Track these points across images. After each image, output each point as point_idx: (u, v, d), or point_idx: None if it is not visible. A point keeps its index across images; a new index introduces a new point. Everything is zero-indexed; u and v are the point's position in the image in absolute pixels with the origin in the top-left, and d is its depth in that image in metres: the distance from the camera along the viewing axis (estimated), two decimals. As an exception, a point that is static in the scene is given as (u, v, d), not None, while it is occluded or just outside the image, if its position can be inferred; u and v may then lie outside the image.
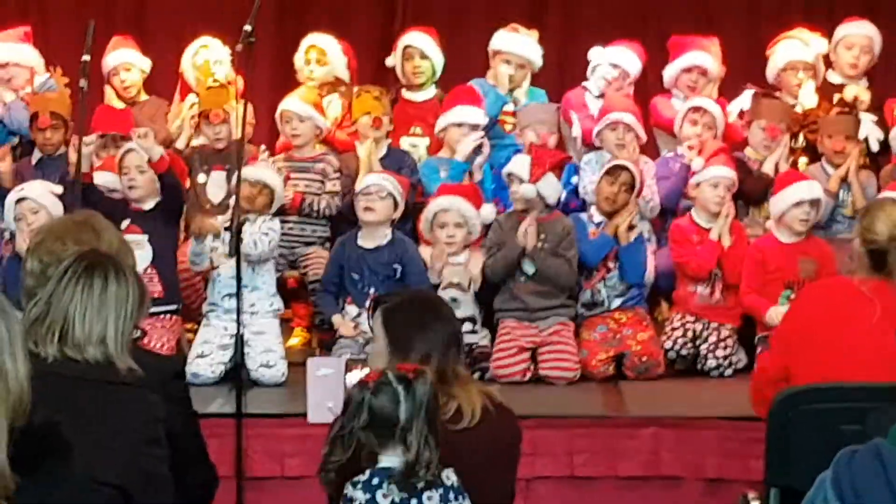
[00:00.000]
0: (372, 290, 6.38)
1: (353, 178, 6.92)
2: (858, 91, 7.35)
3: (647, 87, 7.60)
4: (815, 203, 6.54)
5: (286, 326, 6.73)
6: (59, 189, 6.48)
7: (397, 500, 3.26)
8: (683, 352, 6.59)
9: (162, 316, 6.38)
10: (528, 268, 6.48)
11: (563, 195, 6.77)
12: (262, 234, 6.31)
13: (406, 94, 7.51)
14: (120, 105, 7.56)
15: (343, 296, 6.58)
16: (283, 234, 6.61)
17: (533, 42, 7.46)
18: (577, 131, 7.32)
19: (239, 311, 5.54)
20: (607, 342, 6.56)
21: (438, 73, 7.49)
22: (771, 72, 7.59)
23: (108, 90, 7.69)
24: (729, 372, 6.57)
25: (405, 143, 7.33)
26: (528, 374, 6.42)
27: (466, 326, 6.19)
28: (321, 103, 7.27)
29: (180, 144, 7.44)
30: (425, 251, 6.60)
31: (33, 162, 7.11)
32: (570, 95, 7.51)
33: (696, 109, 7.18)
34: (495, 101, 7.28)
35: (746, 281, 6.55)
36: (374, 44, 8.55)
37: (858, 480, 2.36)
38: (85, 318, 3.22)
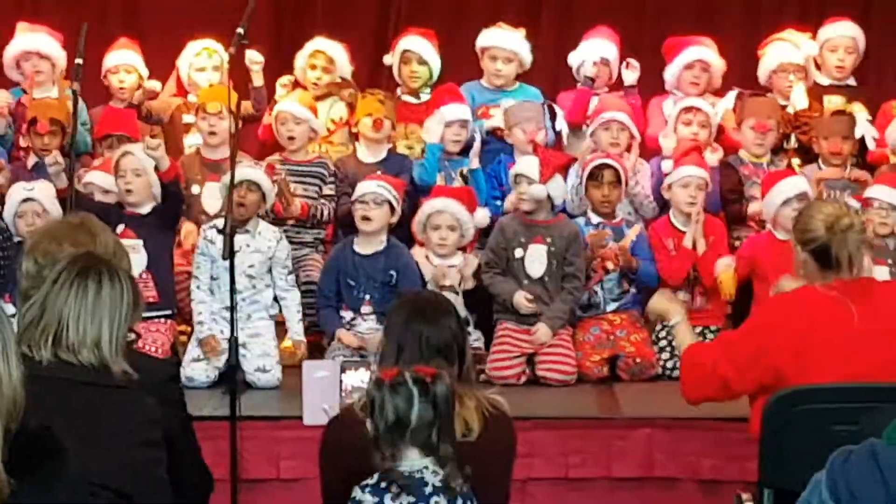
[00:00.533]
0: (367, 296, 6.40)
1: (349, 182, 6.93)
2: (844, 106, 7.31)
3: (643, 90, 7.59)
4: (802, 197, 6.45)
5: (279, 329, 6.72)
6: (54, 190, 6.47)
7: (405, 504, 3.27)
8: (671, 363, 6.46)
9: (156, 320, 6.36)
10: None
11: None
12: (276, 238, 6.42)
13: (403, 96, 7.52)
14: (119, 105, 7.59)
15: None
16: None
17: (519, 37, 7.47)
18: (561, 125, 7.29)
19: (233, 314, 5.52)
20: (601, 344, 6.55)
21: (435, 78, 7.50)
22: (762, 74, 7.60)
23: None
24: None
25: (401, 145, 7.33)
26: (524, 378, 6.42)
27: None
28: (316, 106, 7.28)
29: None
30: (419, 252, 6.61)
31: (29, 166, 7.09)
32: (563, 95, 7.53)
33: (689, 109, 7.18)
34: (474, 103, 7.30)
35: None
36: (371, 43, 8.55)
37: (854, 481, 2.37)
38: (79, 321, 3.22)
